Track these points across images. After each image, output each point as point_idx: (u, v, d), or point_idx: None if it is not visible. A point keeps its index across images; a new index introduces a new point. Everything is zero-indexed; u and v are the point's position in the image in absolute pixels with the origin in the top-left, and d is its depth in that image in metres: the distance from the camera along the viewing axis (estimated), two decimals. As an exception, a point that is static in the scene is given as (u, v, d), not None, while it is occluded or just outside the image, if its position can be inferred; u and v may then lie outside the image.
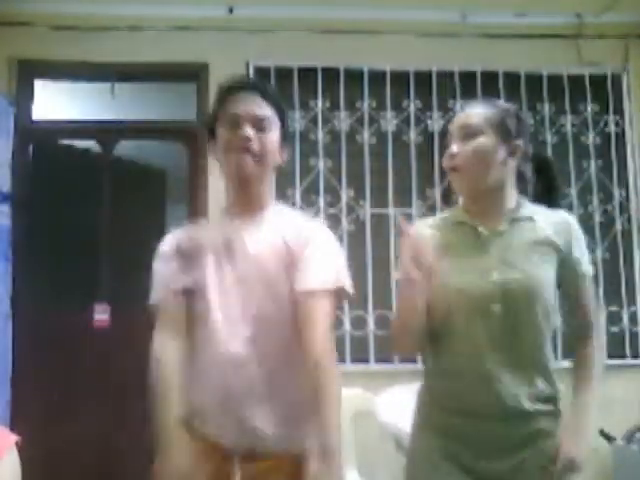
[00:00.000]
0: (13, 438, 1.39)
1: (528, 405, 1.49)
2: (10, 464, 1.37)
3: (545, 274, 1.52)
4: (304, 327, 1.41)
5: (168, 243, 1.60)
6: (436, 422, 1.57)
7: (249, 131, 1.50)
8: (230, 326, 1.46)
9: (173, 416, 1.42)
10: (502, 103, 1.66)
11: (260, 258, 1.49)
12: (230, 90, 1.57)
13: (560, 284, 1.57)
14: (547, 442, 1.51)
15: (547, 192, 1.67)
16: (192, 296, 1.51)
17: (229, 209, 1.60)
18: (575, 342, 1.61)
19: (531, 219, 1.56)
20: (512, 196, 1.59)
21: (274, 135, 1.55)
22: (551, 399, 1.54)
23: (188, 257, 1.54)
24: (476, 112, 1.58)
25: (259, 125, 1.52)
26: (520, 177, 1.62)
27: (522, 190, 1.62)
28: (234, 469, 1.43)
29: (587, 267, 1.58)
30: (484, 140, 1.53)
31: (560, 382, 1.56)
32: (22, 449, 1.39)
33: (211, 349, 1.47)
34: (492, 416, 1.49)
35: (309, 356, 1.37)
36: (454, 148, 1.55)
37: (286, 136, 1.60)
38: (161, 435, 1.41)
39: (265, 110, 1.54)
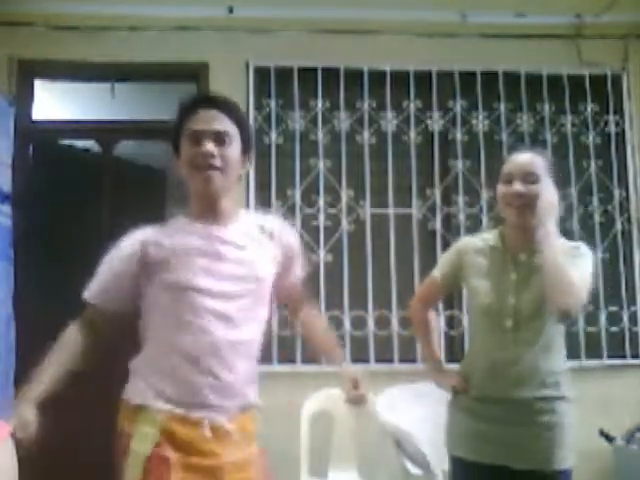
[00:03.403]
0: (8, 428, 1.40)
1: (529, 394, 1.88)
2: (6, 453, 1.38)
3: None
4: (301, 304, 1.92)
5: (131, 244, 1.68)
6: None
7: (211, 146, 1.60)
8: (216, 318, 1.61)
9: (48, 374, 1.61)
10: (544, 152, 2.02)
11: (244, 258, 1.67)
12: (190, 107, 1.67)
13: None
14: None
15: None
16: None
17: (196, 217, 1.69)
18: None
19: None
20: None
21: (235, 148, 1.65)
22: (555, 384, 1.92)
23: (156, 263, 1.63)
24: (537, 160, 1.91)
25: (219, 140, 1.62)
26: None
27: None
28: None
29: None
30: (546, 187, 1.86)
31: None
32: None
33: (196, 336, 1.59)
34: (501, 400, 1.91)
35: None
36: (519, 187, 1.87)
37: (248, 146, 1.71)
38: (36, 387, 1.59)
39: (224, 124, 1.63)
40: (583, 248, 1.92)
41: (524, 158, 1.92)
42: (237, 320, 1.62)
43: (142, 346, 1.68)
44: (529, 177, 1.87)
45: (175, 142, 1.70)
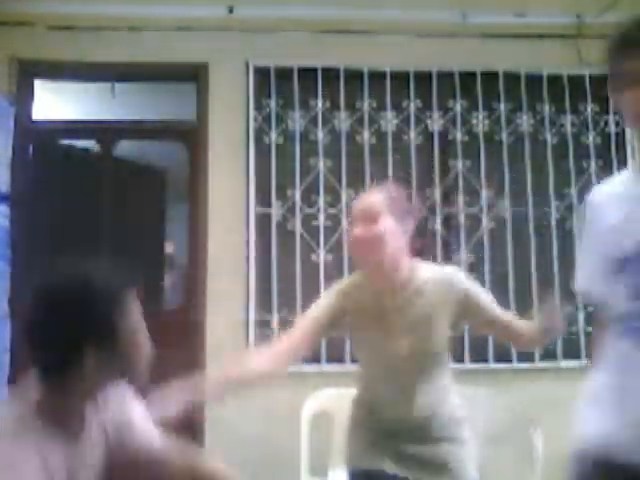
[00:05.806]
0: None
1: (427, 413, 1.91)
2: None
3: (437, 333, 1.88)
4: None
5: None
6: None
7: None
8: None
9: None
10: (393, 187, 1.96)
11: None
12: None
13: (467, 320, 1.98)
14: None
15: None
16: None
17: None
18: (512, 329, 1.96)
19: (421, 291, 1.87)
20: (406, 264, 1.88)
21: None
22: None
23: None
24: (376, 199, 1.85)
25: None
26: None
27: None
28: None
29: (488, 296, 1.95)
30: (387, 224, 1.82)
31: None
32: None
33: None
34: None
35: None
36: (359, 232, 1.84)
37: None
38: None
39: None
40: (460, 277, 1.92)
41: (365, 201, 1.87)
42: None
43: None
44: (369, 219, 1.81)
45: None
